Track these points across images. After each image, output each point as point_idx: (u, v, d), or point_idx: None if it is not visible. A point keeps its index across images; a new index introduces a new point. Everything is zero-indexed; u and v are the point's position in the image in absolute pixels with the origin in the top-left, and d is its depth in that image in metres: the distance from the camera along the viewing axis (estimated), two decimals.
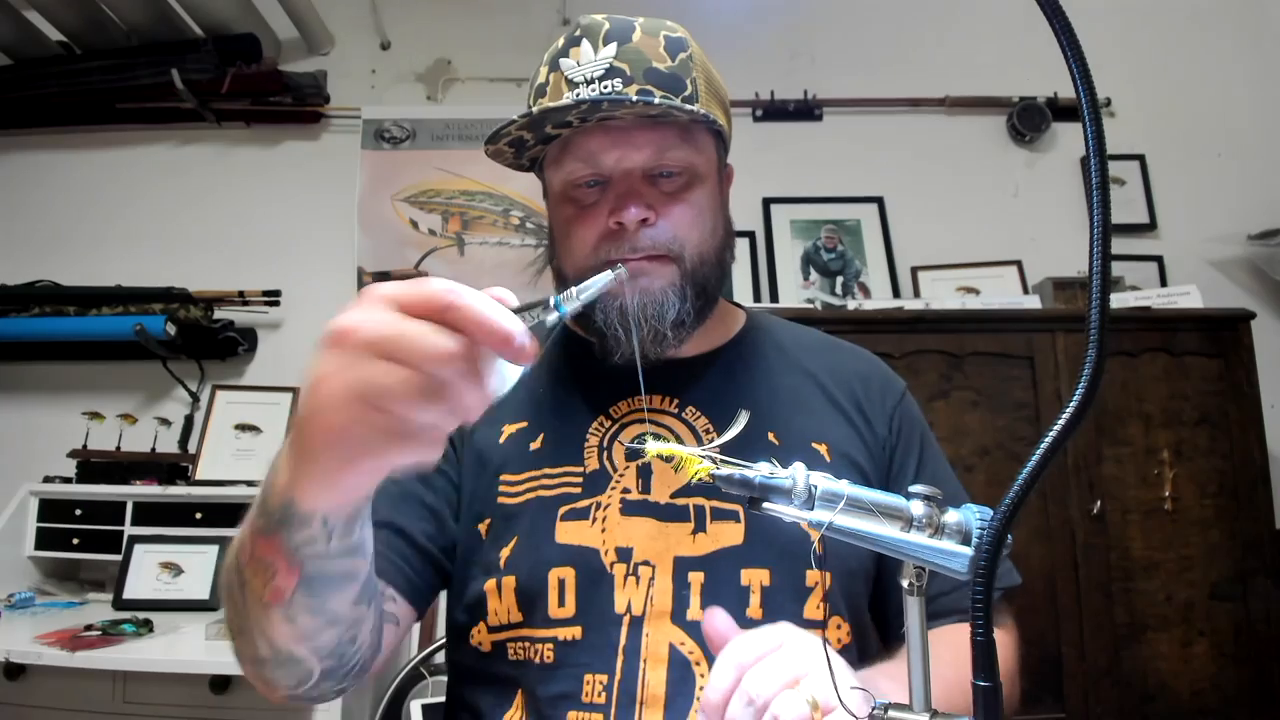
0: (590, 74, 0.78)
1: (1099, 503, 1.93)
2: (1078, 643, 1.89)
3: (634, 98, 0.75)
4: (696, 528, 0.77)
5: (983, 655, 0.41)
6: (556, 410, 0.85)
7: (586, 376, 0.86)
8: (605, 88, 0.77)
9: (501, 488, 0.81)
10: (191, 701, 1.56)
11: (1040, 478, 0.39)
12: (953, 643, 0.74)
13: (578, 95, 0.77)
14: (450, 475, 0.84)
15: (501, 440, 0.84)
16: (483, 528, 0.81)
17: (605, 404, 0.84)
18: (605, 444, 0.82)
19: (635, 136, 0.78)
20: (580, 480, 0.80)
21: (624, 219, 0.77)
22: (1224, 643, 1.92)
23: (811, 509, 0.49)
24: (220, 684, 1.54)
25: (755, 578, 0.76)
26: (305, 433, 0.47)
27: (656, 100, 0.75)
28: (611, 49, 0.78)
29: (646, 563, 0.76)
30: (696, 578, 0.75)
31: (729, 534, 0.77)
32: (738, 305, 0.97)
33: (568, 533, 0.78)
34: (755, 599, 0.75)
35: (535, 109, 0.76)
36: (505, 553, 0.78)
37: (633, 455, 0.80)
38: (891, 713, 0.48)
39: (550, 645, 0.75)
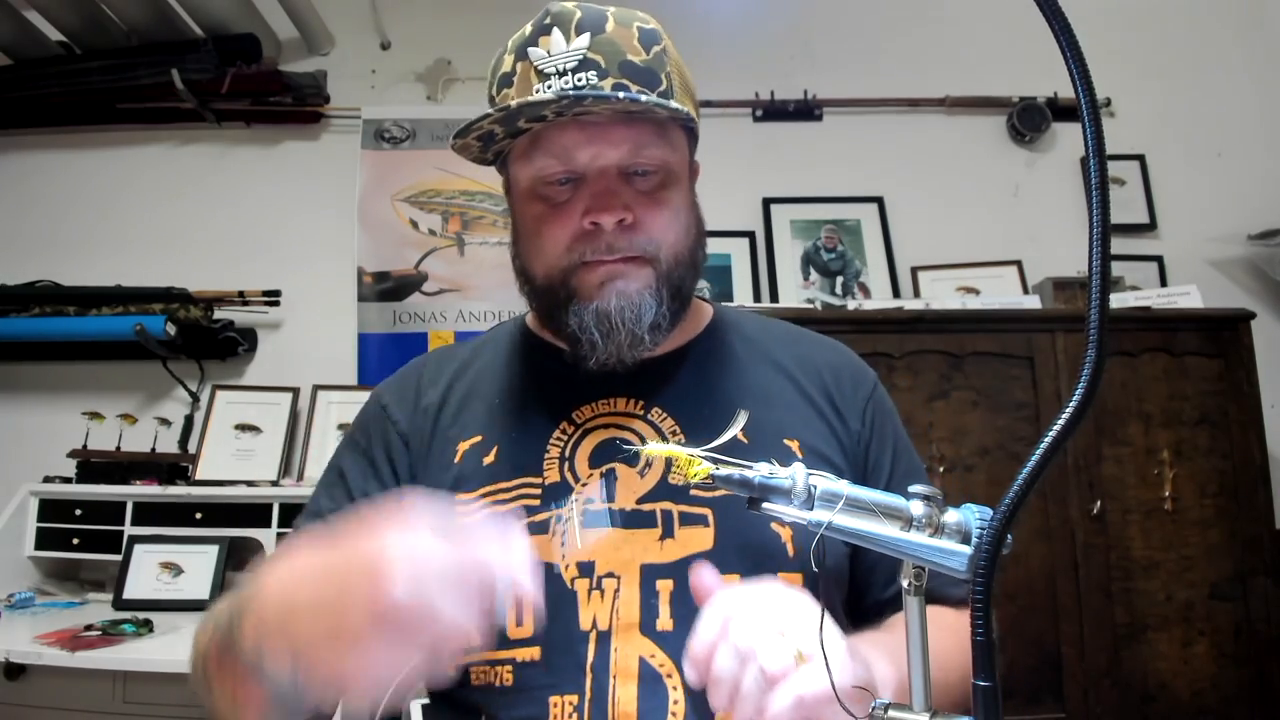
0: (563, 65, 0.74)
1: (1099, 503, 1.93)
2: (1078, 643, 1.89)
3: (614, 94, 0.72)
4: (664, 533, 0.74)
5: (983, 655, 0.41)
6: (514, 419, 0.81)
7: (547, 381, 0.83)
8: (579, 80, 0.73)
9: (456, 508, 0.78)
10: (192, 701, 1.53)
11: (1040, 478, 0.39)
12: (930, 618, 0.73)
13: (550, 87, 0.73)
14: None
15: (457, 459, 0.80)
16: None
17: (568, 409, 0.81)
18: (567, 453, 0.78)
19: (611, 133, 0.74)
20: (539, 492, 0.76)
21: (601, 221, 0.74)
22: (1224, 643, 1.92)
23: (811, 509, 0.49)
24: None
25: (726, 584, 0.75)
26: (311, 659, 0.51)
27: (638, 97, 0.72)
28: (584, 39, 0.74)
29: (611, 574, 0.73)
30: (665, 586, 0.72)
31: (698, 539, 0.74)
32: (704, 300, 0.94)
33: None
34: None
35: (513, 103, 0.72)
36: None
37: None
38: (891, 712, 0.48)
39: (509, 667, 0.72)
